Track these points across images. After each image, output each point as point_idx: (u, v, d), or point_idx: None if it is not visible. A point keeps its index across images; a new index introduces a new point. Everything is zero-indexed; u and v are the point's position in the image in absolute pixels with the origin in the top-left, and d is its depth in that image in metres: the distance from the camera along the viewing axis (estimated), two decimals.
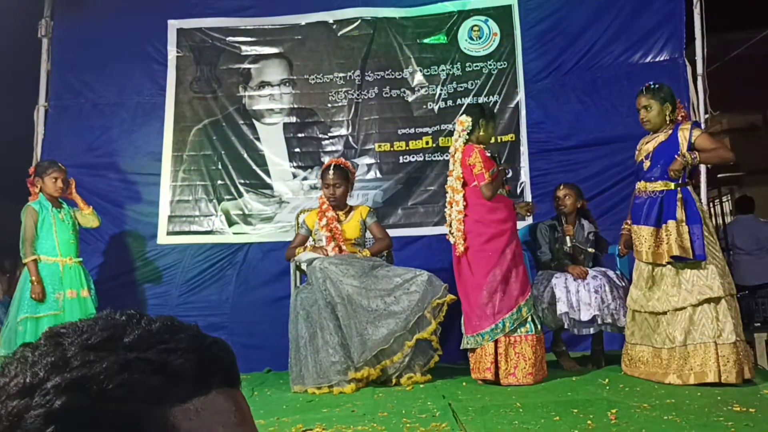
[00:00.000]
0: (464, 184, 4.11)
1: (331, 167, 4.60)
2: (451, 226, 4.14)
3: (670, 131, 3.91)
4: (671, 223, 3.77)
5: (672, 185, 3.83)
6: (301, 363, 4.10)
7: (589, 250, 4.59)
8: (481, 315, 3.96)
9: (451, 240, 4.14)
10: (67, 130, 5.79)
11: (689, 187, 3.85)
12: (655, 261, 3.84)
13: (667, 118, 3.94)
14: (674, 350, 3.70)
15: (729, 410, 3.00)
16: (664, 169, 3.86)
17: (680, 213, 3.76)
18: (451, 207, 4.14)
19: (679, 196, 3.80)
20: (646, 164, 3.96)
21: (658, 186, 3.87)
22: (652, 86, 4.01)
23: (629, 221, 4.10)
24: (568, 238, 4.56)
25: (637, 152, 4.09)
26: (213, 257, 5.59)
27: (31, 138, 5.75)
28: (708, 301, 3.67)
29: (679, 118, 3.99)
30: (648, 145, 3.99)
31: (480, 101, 5.55)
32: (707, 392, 3.43)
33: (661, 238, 3.82)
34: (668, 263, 3.80)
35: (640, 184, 3.99)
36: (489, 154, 4.18)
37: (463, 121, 4.16)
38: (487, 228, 4.03)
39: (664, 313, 3.78)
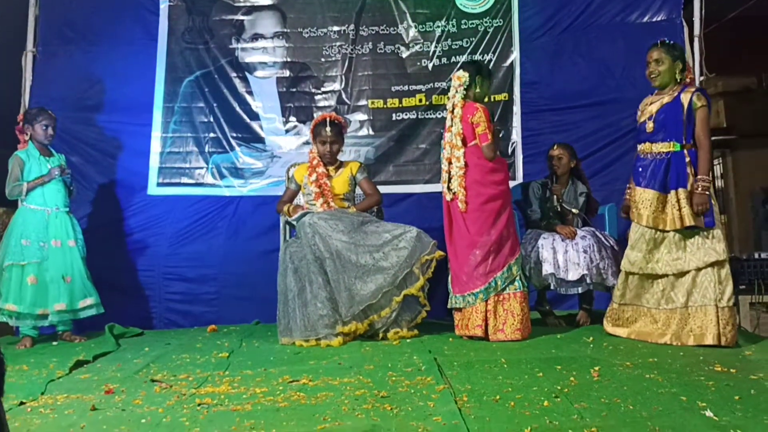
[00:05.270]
0: (464, 142, 4.07)
1: (327, 123, 4.49)
2: (449, 182, 4.10)
3: (675, 93, 3.83)
4: (682, 191, 3.71)
5: (678, 146, 3.77)
6: (289, 316, 4.13)
7: (574, 211, 4.59)
8: (470, 273, 3.97)
9: (448, 197, 4.10)
10: (56, 77, 5.67)
11: (695, 148, 3.77)
12: (656, 226, 3.78)
13: (677, 77, 3.86)
14: (675, 311, 3.72)
15: (710, 370, 3.05)
16: (669, 131, 3.79)
17: (692, 180, 3.71)
18: (450, 164, 4.10)
19: (687, 159, 3.74)
20: (650, 125, 3.86)
21: (664, 147, 3.81)
22: (668, 41, 3.94)
23: (632, 185, 3.99)
24: (555, 197, 4.57)
25: (639, 113, 3.98)
26: (204, 209, 5.58)
27: (18, 84, 5.65)
28: (713, 264, 3.66)
29: (687, 80, 3.92)
30: (652, 107, 3.89)
31: (475, 59, 5.51)
32: (689, 352, 3.49)
33: (667, 204, 3.76)
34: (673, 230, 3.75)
35: (645, 146, 3.89)
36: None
37: (460, 77, 4.11)
38: (485, 189, 4.01)
39: (665, 275, 3.77)
